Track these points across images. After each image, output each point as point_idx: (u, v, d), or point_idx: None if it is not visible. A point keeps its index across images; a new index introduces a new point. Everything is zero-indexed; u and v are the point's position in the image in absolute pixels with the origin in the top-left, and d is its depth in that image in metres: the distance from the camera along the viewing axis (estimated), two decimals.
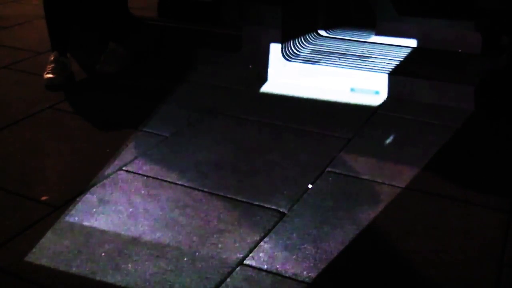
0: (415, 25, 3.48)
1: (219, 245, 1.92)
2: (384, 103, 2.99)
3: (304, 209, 2.12)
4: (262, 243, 1.93)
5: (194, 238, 1.95)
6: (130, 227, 2.01)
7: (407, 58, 3.35)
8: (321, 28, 3.70)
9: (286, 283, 1.77)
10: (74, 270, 1.80)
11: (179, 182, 2.28)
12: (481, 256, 1.89)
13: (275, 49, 3.28)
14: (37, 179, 2.31)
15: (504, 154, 2.52)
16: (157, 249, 1.90)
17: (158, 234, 1.97)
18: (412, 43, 3.49)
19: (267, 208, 2.12)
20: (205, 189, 2.24)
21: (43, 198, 2.17)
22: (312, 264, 1.84)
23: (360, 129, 2.71)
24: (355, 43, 3.57)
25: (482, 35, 3.37)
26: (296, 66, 3.27)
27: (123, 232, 1.98)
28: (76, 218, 2.05)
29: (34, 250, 1.88)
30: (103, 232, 1.98)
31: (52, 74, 3.13)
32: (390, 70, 3.16)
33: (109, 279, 1.77)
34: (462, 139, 2.63)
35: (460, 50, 3.40)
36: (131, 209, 2.11)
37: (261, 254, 1.88)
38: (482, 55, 3.32)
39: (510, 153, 2.53)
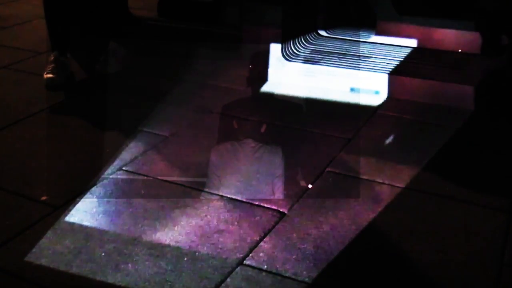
0: (415, 25, 3.49)
1: (219, 245, 1.92)
2: (384, 103, 2.99)
3: (304, 209, 2.12)
4: (262, 243, 1.93)
5: (194, 238, 1.95)
6: (130, 227, 2.01)
7: (407, 58, 3.35)
8: (321, 28, 3.71)
9: (286, 283, 1.77)
10: (74, 270, 1.80)
11: (179, 182, 2.28)
12: (481, 256, 1.89)
13: (275, 49, 3.28)
14: (37, 179, 2.31)
15: (504, 154, 2.52)
16: (157, 249, 1.90)
17: (158, 234, 1.97)
18: (412, 43, 3.49)
19: (267, 208, 2.12)
20: (205, 189, 2.24)
21: (43, 198, 2.17)
22: (312, 264, 1.84)
23: (360, 129, 2.71)
24: (355, 43, 3.58)
25: (482, 35, 3.37)
26: (296, 66, 3.27)
27: (123, 232, 1.98)
28: (76, 218, 2.05)
29: (34, 250, 1.88)
30: (103, 232, 1.98)
31: (52, 74, 3.13)
32: (390, 70, 3.16)
33: (109, 279, 1.77)
34: (462, 139, 2.63)
35: (460, 50, 3.41)
36: (131, 209, 2.10)
37: (261, 254, 1.88)
38: (482, 55, 3.32)
39: (510, 153, 2.53)
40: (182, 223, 2.03)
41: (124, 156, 2.45)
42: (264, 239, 1.95)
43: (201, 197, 2.19)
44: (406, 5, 3.52)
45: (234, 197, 2.19)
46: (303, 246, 1.92)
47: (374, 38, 3.61)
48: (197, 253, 1.88)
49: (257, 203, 2.15)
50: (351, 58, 3.35)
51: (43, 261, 1.83)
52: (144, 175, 2.32)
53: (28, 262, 1.83)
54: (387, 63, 3.28)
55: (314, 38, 3.62)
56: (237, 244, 1.92)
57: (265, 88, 3.19)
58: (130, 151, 2.50)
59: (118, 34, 3.48)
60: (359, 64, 3.26)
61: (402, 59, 3.33)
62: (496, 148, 2.57)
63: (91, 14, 3.43)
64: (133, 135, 2.62)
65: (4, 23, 4.24)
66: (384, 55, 3.40)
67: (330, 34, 3.70)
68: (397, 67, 3.24)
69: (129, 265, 1.82)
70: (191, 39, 3.72)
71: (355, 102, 3.00)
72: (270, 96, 3.11)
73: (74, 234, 1.97)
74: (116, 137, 2.61)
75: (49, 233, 1.96)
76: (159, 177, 2.31)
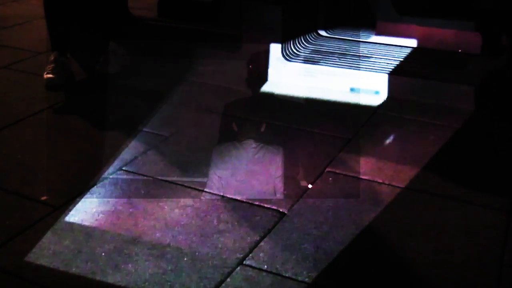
0: (415, 25, 3.49)
1: (219, 245, 1.92)
2: (384, 103, 2.99)
3: (304, 209, 2.12)
4: (262, 243, 1.93)
5: (194, 238, 1.95)
6: (130, 227, 2.01)
7: (407, 58, 3.35)
8: (321, 28, 3.71)
9: (286, 283, 1.77)
10: (74, 270, 1.80)
11: (179, 182, 2.28)
12: (481, 256, 1.89)
13: (275, 49, 3.28)
14: (37, 179, 2.31)
15: (504, 154, 2.52)
16: (157, 249, 1.90)
17: (158, 234, 1.97)
18: (412, 43, 3.50)
19: (267, 208, 2.12)
20: (205, 189, 2.24)
21: (43, 198, 2.17)
22: (312, 264, 1.84)
23: (360, 129, 2.71)
24: (355, 43, 3.58)
25: (482, 35, 3.37)
26: (296, 66, 3.27)
27: (123, 232, 1.98)
28: (76, 218, 2.05)
29: (34, 250, 1.88)
30: (103, 232, 1.98)
31: (52, 74, 3.13)
32: (390, 70, 3.17)
33: (109, 279, 1.77)
34: (462, 139, 2.63)
35: (460, 50, 3.41)
36: (131, 209, 2.11)
37: (261, 254, 1.88)
38: (482, 55, 3.33)
39: (510, 153, 2.53)
40: (182, 223, 2.03)
41: (124, 156, 2.45)
42: (264, 239, 1.95)
43: (201, 197, 2.19)
44: (406, 5, 3.52)
45: (234, 197, 2.19)
46: (303, 246, 1.92)
47: (374, 38, 3.61)
48: (197, 253, 1.88)
49: (257, 203, 2.15)
50: (351, 58, 3.35)
51: (43, 261, 1.83)
52: (144, 175, 2.32)
53: (28, 262, 1.83)
54: (387, 63, 3.28)
55: (314, 38, 3.62)
56: (237, 244, 1.92)
57: (265, 88, 3.19)
58: (130, 151, 2.50)
59: (118, 34, 3.48)
60: (359, 64, 3.26)
61: (402, 59, 3.34)
62: (496, 148, 2.57)
63: (91, 14, 3.43)
64: (133, 135, 2.62)
65: (4, 23, 4.24)
66: (384, 55, 3.40)
67: (330, 34, 3.70)
68: (397, 67, 3.24)
69: (129, 265, 1.82)
70: (191, 39, 3.72)
71: (355, 102, 3.00)
72: (270, 96, 3.11)
73: (74, 234, 1.97)
74: (116, 137, 2.61)
75: (49, 233, 1.96)
76: (159, 177, 2.31)
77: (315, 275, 1.79)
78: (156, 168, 2.38)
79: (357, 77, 3.15)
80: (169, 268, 1.81)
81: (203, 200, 2.17)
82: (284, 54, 3.33)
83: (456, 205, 2.16)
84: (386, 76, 3.09)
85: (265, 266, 1.83)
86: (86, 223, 2.03)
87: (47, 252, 1.87)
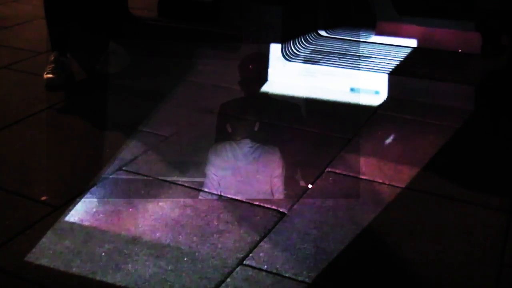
0: (415, 25, 3.49)
1: (219, 245, 1.92)
2: (384, 103, 2.99)
3: (304, 209, 2.12)
4: (262, 243, 1.93)
5: (194, 238, 1.95)
6: (130, 227, 2.01)
7: (407, 58, 3.35)
8: (321, 28, 3.71)
9: (286, 283, 1.77)
10: (74, 270, 1.80)
11: (179, 182, 2.28)
12: (481, 256, 1.89)
13: (275, 49, 3.29)
14: (37, 179, 2.31)
15: (504, 154, 2.52)
16: (157, 249, 1.90)
17: (158, 234, 1.97)
18: (412, 43, 3.50)
19: (267, 208, 2.12)
20: (205, 189, 2.24)
21: (43, 198, 2.17)
22: (312, 264, 1.84)
23: (360, 129, 2.71)
24: (355, 43, 3.58)
25: (482, 35, 3.37)
26: (296, 66, 3.27)
27: (123, 232, 1.98)
28: (76, 218, 2.05)
29: (34, 250, 1.88)
30: (103, 232, 1.98)
31: (52, 74, 3.13)
32: (390, 70, 3.17)
33: (109, 279, 1.77)
34: (462, 139, 2.63)
35: (460, 50, 3.41)
36: (131, 209, 2.11)
37: (261, 254, 1.88)
38: (482, 55, 3.33)
39: (510, 153, 2.53)
40: (182, 223, 2.03)
41: (124, 156, 2.45)
42: (264, 239, 1.95)
43: (201, 197, 2.19)
44: (406, 5, 3.52)
45: (234, 197, 2.19)
46: (303, 246, 1.92)
47: (374, 38, 3.61)
48: (197, 253, 1.88)
49: (257, 203, 2.15)
50: (351, 58, 3.35)
51: (43, 261, 1.83)
52: (144, 175, 2.32)
53: (28, 262, 1.83)
54: (387, 63, 3.28)
55: (314, 38, 3.62)
56: (237, 244, 1.92)
57: (265, 88, 3.19)
58: (130, 151, 2.50)
59: (118, 34, 3.48)
60: (359, 64, 3.26)
61: (402, 59, 3.34)
62: (496, 148, 2.57)
63: (91, 14, 3.43)
64: (133, 135, 2.62)
65: (4, 23, 4.24)
66: (384, 55, 3.40)
67: (330, 34, 3.70)
68: (397, 67, 3.24)
69: (129, 265, 1.82)
70: (191, 39, 3.71)
71: (355, 102, 3.00)
72: (270, 96, 3.11)
73: (74, 234, 1.97)
74: (116, 137, 2.61)
75: (49, 233, 1.96)
76: (159, 177, 2.31)
77: (315, 275, 1.79)
78: (156, 168, 2.38)
79: (357, 77, 3.15)
80: (169, 268, 1.81)
81: (203, 200, 2.17)
82: (284, 54, 3.33)
83: (456, 205, 2.16)
84: (386, 76, 3.09)
85: (265, 266, 1.83)
86: (86, 223, 2.03)
87: (47, 252, 1.87)
